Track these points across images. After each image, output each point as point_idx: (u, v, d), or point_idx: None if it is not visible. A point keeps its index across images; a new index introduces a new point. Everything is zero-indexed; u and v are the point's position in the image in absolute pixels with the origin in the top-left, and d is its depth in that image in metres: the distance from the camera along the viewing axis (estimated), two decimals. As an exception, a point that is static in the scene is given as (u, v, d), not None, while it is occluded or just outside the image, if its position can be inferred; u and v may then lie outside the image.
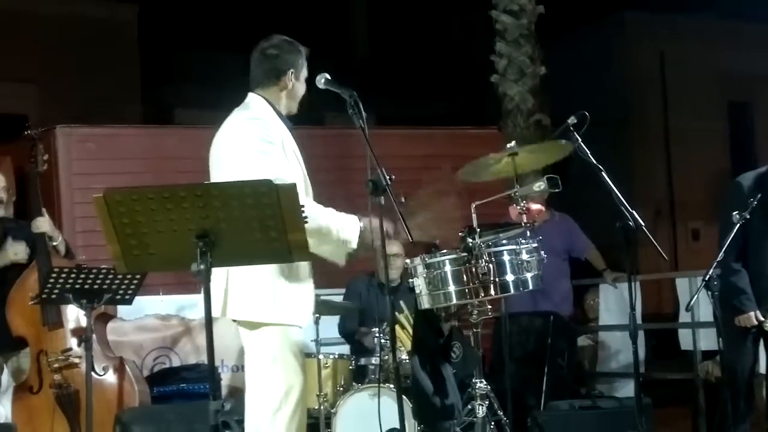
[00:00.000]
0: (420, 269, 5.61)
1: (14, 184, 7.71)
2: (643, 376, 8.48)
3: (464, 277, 5.50)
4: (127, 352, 7.97)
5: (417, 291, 5.66)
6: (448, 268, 5.54)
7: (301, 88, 5.24)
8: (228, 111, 5.17)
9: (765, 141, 25.57)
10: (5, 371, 7.12)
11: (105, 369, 6.97)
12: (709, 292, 5.97)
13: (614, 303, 9.97)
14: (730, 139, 25.73)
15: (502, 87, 13.62)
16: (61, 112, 14.28)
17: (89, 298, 6.54)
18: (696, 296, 6.42)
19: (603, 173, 5.69)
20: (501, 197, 6.16)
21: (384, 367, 7.15)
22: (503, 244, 5.58)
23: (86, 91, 18.83)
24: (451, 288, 5.54)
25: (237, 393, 8.24)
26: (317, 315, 7.18)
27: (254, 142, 4.91)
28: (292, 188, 4.04)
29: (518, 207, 5.99)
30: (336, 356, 7.61)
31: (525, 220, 5.92)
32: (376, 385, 6.97)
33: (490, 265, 5.47)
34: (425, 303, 5.70)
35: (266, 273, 4.81)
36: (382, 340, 7.22)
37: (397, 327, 7.30)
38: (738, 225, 6.04)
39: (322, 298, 7.64)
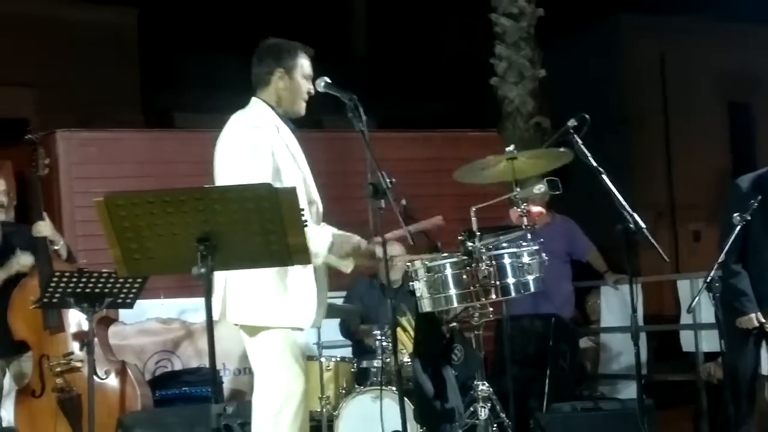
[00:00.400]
0: (421, 272, 5.61)
1: (15, 188, 7.72)
2: (645, 377, 8.48)
3: (465, 280, 5.49)
4: (128, 356, 7.97)
5: (418, 294, 5.65)
6: (449, 272, 5.53)
7: (298, 88, 5.20)
8: (228, 114, 5.17)
9: (765, 142, 25.58)
10: (7, 375, 7.12)
11: (107, 373, 6.97)
12: (711, 294, 5.96)
13: (616, 305, 9.97)
14: (731, 140, 25.75)
15: (502, 90, 13.63)
16: (61, 116, 14.31)
17: (90, 302, 6.55)
18: (697, 298, 6.41)
19: (603, 176, 5.68)
20: (501, 200, 6.16)
21: (386, 370, 7.14)
22: (504, 247, 5.58)
23: (86, 95, 18.85)
24: (452, 291, 5.54)
25: (239, 396, 8.25)
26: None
27: (246, 147, 4.92)
28: (292, 192, 4.05)
29: (519, 210, 5.98)
30: (338, 359, 7.61)
31: (525, 223, 5.92)
32: (378, 387, 6.97)
33: (491, 268, 5.46)
34: (426, 306, 5.69)
35: (265, 276, 4.82)
36: (384, 343, 7.21)
37: (398, 329, 7.30)
38: (739, 226, 6.04)
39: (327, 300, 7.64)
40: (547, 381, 8.15)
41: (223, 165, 4.97)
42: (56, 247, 7.02)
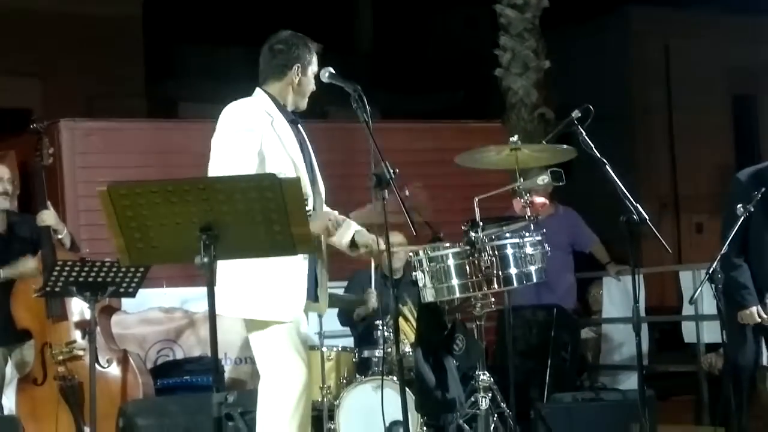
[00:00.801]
0: (423, 262, 5.62)
1: (18, 177, 7.73)
2: (646, 368, 8.48)
3: (467, 270, 5.50)
4: (130, 345, 7.98)
5: (420, 284, 5.66)
6: (451, 262, 5.54)
7: (308, 84, 5.25)
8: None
9: (769, 134, 25.58)
10: (9, 363, 7.14)
11: (109, 361, 6.99)
12: (713, 285, 5.97)
13: (618, 296, 9.98)
14: (735, 133, 25.73)
15: (506, 81, 13.62)
16: (65, 106, 14.32)
17: (93, 291, 6.56)
18: (699, 289, 6.42)
19: (607, 167, 5.69)
20: (504, 191, 6.17)
21: (387, 360, 7.15)
22: (506, 238, 5.59)
23: (90, 86, 18.86)
24: (455, 281, 5.55)
25: (240, 385, 8.26)
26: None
27: (227, 133, 5.00)
28: (295, 182, 4.07)
29: (522, 200, 5.99)
30: (339, 349, 7.61)
31: (529, 214, 5.93)
32: (380, 377, 6.98)
33: (494, 259, 5.47)
34: (428, 296, 5.70)
35: (257, 268, 4.84)
36: (386, 333, 7.22)
37: (400, 319, 7.31)
38: (742, 218, 6.04)
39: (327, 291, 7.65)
40: (548, 371, 8.16)
41: (212, 149, 5.02)
42: (60, 236, 7.03)
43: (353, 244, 5.28)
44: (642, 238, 5.81)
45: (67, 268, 6.55)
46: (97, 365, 6.64)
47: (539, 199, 6.16)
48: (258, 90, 5.22)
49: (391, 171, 4.81)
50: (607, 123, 7.22)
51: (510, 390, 6.52)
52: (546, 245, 5.71)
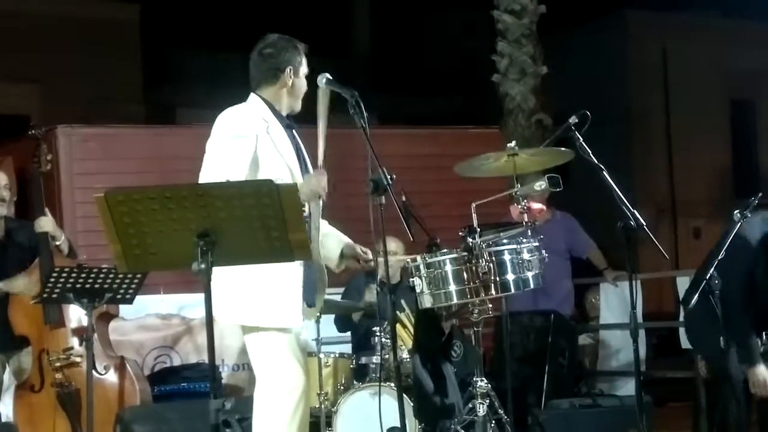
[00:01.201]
0: (421, 268, 5.62)
1: (16, 183, 7.72)
2: (643, 374, 8.49)
3: (465, 276, 5.51)
4: (128, 352, 7.98)
5: (418, 290, 5.66)
6: (448, 268, 5.55)
7: (302, 85, 5.25)
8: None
9: (767, 139, 25.58)
10: (7, 370, 7.13)
11: (106, 368, 6.98)
12: (710, 291, 5.95)
13: (615, 302, 9.97)
14: (732, 138, 25.74)
15: (504, 86, 13.63)
16: (63, 112, 14.31)
17: (90, 298, 6.56)
18: (697, 295, 6.40)
19: (604, 173, 5.69)
20: (502, 196, 6.17)
21: (385, 366, 7.15)
22: (504, 244, 5.59)
23: (88, 91, 18.87)
24: (452, 287, 5.55)
25: (237, 392, 8.25)
26: (318, 314, 7.19)
27: (221, 138, 4.99)
28: (293, 188, 4.09)
29: (519, 206, 5.99)
30: (337, 355, 7.61)
31: (526, 220, 5.93)
32: (377, 383, 6.97)
33: (491, 265, 5.47)
34: (426, 302, 5.70)
35: (255, 274, 4.84)
36: (383, 339, 7.22)
37: (397, 326, 7.30)
38: (739, 223, 6.03)
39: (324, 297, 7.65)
40: (545, 378, 8.16)
41: (205, 157, 5.02)
42: (57, 243, 7.02)
43: (341, 256, 5.30)
44: (639, 243, 5.80)
45: (64, 275, 6.55)
46: (94, 372, 6.64)
47: (536, 205, 6.16)
48: (252, 95, 5.21)
49: (389, 177, 4.81)
50: (604, 128, 7.21)
51: (508, 396, 6.52)
52: (543, 251, 5.72)
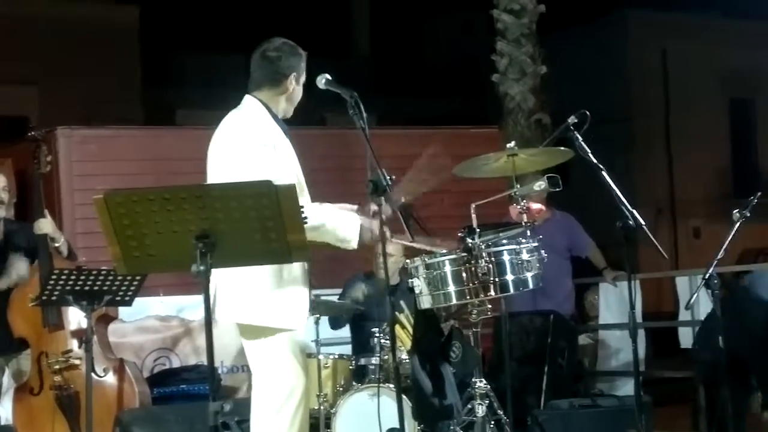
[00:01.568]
0: (420, 269, 5.62)
1: (15, 185, 7.72)
2: (643, 374, 8.49)
3: (464, 277, 5.50)
4: (127, 354, 7.98)
5: (417, 291, 5.66)
6: (447, 269, 5.54)
7: (299, 92, 5.24)
8: (229, 111, 5.18)
9: (766, 138, 25.58)
10: (6, 373, 7.12)
11: (105, 370, 6.98)
12: (710, 291, 5.96)
13: (614, 301, 9.96)
14: (732, 137, 25.74)
15: (503, 86, 13.62)
16: (62, 114, 14.31)
17: (90, 300, 6.54)
18: (696, 294, 6.41)
19: (603, 173, 5.69)
20: (501, 197, 6.16)
21: (384, 367, 7.15)
22: (503, 244, 5.58)
23: (87, 93, 18.87)
24: (451, 288, 5.54)
25: (236, 393, 8.25)
26: (317, 315, 7.20)
27: (247, 147, 4.93)
28: (291, 189, 4.06)
29: (518, 206, 5.99)
30: (336, 356, 7.61)
31: (525, 220, 5.92)
32: (376, 385, 6.97)
33: (490, 265, 5.47)
34: (425, 303, 5.70)
35: (261, 275, 4.82)
36: (382, 341, 7.22)
37: (396, 327, 7.30)
38: (738, 223, 6.04)
39: (322, 298, 7.65)
40: (545, 378, 8.15)
41: (223, 165, 4.97)
42: (57, 245, 7.02)
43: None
44: (639, 243, 5.81)
45: (63, 277, 6.54)
46: (93, 374, 6.63)
47: (535, 205, 6.16)
48: (249, 98, 5.18)
49: (388, 178, 4.80)
50: (604, 127, 7.21)
51: (507, 397, 6.51)
52: (543, 251, 5.71)
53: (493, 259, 5.49)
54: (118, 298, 6.74)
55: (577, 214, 9.38)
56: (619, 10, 24.01)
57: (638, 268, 6.70)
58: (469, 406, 5.97)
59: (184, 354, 8.56)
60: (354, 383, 7.34)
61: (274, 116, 5.15)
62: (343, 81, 5.07)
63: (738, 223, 6.04)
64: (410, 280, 5.79)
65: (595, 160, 5.75)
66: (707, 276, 5.91)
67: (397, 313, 7.40)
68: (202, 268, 3.96)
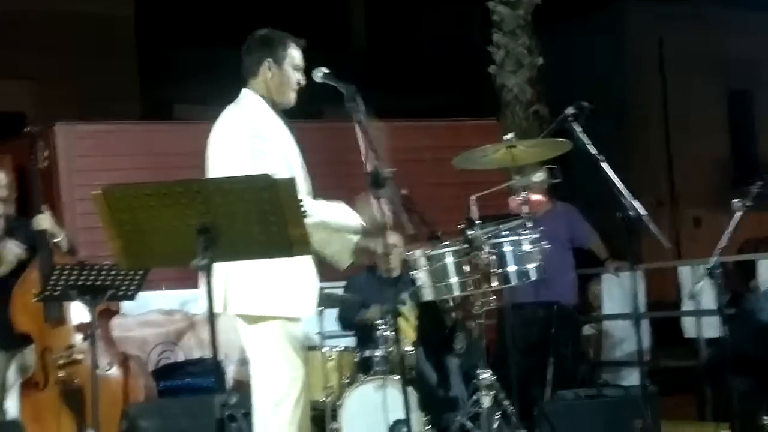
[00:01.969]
0: (422, 261, 5.61)
1: (15, 181, 7.71)
2: (647, 364, 8.49)
3: (466, 268, 5.50)
4: (131, 348, 7.97)
5: (419, 283, 5.66)
6: (449, 260, 5.54)
7: (287, 76, 5.18)
8: (227, 106, 5.17)
9: (765, 128, 25.56)
10: (12, 368, 7.13)
11: (110, 364, 6.98)
12: (712, 280, 5.96)
13: (617, 292, 9.97)
14: (730, 127, 25.71)
15: (500, 78, 13.62)
16: (59, 110, 14.28)
17: (93, 295, 6.55)
18: (700, 284, 6.40)
19: (603, 163, 5.68)
20: (500, 189, 6.16)
21: (388, 359, 7.15)
22: (504, 236, 5.58)
23: (84, 88, 18.83)
24: (453, 280, 5.54)
25: (242, 387, 8.24)
26: (321, 308, 7.18)
27: (246, 142, 4.92)
28: (291, 183, 4.04)
29: (518, 198, 5.99)
30: (341, 348, 7.61)
31: (525, 211, 5.92)
32: (382, 376, 6.97)
33: (492, 257, 5.47)
34: (427, 295, 5.70)
35: (265, 266, 4.80)
36: (386, 333, 7.21)
37: (399, 319, 7.30)
38: (740, 213, 6.03)
39: (325, 290, 7.64)
40: (550, 369, 8.15)
41: (222, 160, 4.96)
42: (56, 240, 7.02)
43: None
44: (641, 233, 5.80)
45: (66, 272, 6.55)
46: (97, 369, 6.63)
47: (536, 197, 6.18)
48: (246, 91, 5.18)
49: (386, 171, 4.79)
50: (601, 118, 7.20)
51: (512, 388, 6.51)
52: (544, 242, 5.71)
53: (494, 250, 5.49)
54: (121, 293, 6.75)
55: (577, 203, 9.37)
56: (617, 0, 23.97)
57: (641, 258, 6.67)
58: (475, 397, 5.98)
59: (189, 347, 8.55)
60: (359, 375, 7.34)
61: (273, 107, 5.14)
62: (340, 74, 5.05)
63: (740, 213, 6.03)
64: (412, 272, 5.79)
65: (594, 151, 5.74)
66: (710, 266, 5.91)
67: (399, 305, 7.41)
68: (203, 262, 3.95)
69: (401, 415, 4.97)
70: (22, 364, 7.12)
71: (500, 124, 12.40)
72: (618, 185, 5.57)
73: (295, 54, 5.22)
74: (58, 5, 19.22)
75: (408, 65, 25.32)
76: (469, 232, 5.48)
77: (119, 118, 13.40)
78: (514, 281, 5.58)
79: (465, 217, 5.63)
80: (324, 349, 7.32)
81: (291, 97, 5.23)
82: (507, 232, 5.61)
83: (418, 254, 5.64)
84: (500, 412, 6.11)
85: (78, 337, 6.93)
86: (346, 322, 8.31)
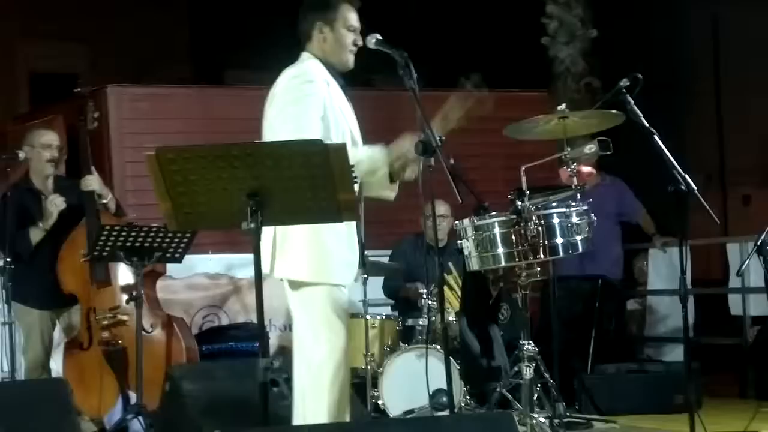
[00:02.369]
0: (469, 231, 5.62)
1: (66, 142, 7.78)
2: (692, 341, 8.45)
3: (513, 239, 5.50)
4: (176, 310, 8.02)
5: (466, 252, 5.66)
6: (497, 231, 5.54)
7: (343, 37, 5.08)
8: (278, 71, 5.16)
9: (820, 106, 25.26)
10: (57, 327, 7.20)
11: (153, 326, 7.04)
12: (761, 258, 5.91)
13: (663, 267, 9.90)
14: (785, 103, 25.41)
15: (553, 50, 13.52)
16: (112, 72, 14.35)
17: (140, 256, 6.60)
18: (747, 261, 6.36)
19: (655, 137, 5.63)
20: (551, 159, 6.13)
21: (431, 328, 7.15)
22: (553, 207, 5.57)
23: (137, 51, 18.90)
24: (500, 250, 5.55)
25: (285, 352, 8.29)
26: (365, 275, 7.18)
27: (293, 84, 4.91)
28: (342, 149, 4.05)
29: (569, 169, 5.96)
30: (383, 317, 7.63)
31: (575, 183, 5.89)
32: (424, 345, 6.99)
33: (540, 228, 5.46)
34: (474, 265, 5.70)
35: (311, 232, 4.80)
36: (430, 302, 7.22)
37: (445, 288, 7.30)
38: None
39: (370, 258, 7.65)
40: (592, 343, 8.13)
41: (273, 118, 4.95)
42: (104, 201, 7.07)
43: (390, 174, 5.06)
44: (691, 208, 5.75)
45: (114, 233, 6.59)
46: (142, 330, 6.69)
47: (586, 169, 6.13)
48: (305, 54, 5.15)
49: (438, 138, 4.77)
50: (653, 92, 7.14)
51: (554, 360, 6.51)
52: (592, 215, 5.69)
53: (542, 221, 5.49)
54: (168, 255, 6.78)
55: (627, 178, 9.32)
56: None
57: (689, 234, 6.61)
58: (516, 368, 5.98)
59: (233, 312, 8.59)
60: (401, 344, 7.36)
61: (331, 70, 5.10)
62: (393, 43, 5.03)
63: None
64: (459, 242, 5.79)
65: (646, 124, 5.69)
66: (759, 243, 5.86)
67: (444, 274, 7.41)
68: (252, 225, 3.97)
69: (442, 385, 4.96)
70: (68, 324, 7.18)
71: (551, 96, 12.34)
72: (670, 159, 5.52)
73: (348, 15, 5.14)
74: (113, -31, 19.29)
75: (459, 35, 25.22)
76: (518, 203, 5.47)
77: (170, 82, 13.44)
78: (561, 253, 5.58)
79: (514, 188, 5.61)
80: (367, 317, 7.33)
81: (348, 59, 5.13)
82: (555, 204, 5.59)
83: (466, 223, 5.64)
84: (541, 384, 6.11)
85: (123, 298, 6.98)
86: (390, 291, 8.33)
